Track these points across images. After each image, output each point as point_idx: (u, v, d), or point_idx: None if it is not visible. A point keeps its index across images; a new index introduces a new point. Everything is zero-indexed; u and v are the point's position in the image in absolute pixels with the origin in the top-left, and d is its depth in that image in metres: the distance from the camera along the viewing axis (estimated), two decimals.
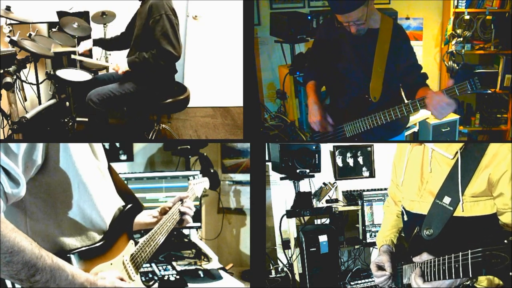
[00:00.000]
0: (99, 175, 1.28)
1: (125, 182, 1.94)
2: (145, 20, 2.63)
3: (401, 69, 2.01)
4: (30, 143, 1.05)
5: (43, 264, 0.98)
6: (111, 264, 1.22)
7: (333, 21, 2.03)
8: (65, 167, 1.13)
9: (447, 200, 1.38)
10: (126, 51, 2.92)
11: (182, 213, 1.62)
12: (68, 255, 1.11)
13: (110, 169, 1.39)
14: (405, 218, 1.61)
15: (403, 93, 2.17)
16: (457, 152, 1.38)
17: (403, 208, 1.62)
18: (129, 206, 1.37)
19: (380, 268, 1.60)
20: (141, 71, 2.71)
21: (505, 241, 1.04)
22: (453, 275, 1.16)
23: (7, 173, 0.99)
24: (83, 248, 1.16)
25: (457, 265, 1.13)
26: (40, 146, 1.07)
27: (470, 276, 1.11)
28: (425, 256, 1.35)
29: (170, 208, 1.61)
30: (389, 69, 2.01)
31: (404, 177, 1.61)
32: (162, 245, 1.49)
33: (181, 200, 1.66)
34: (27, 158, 1.04)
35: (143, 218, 1.57)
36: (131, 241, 1.34)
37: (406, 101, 1.94)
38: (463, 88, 1.65)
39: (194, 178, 1.97)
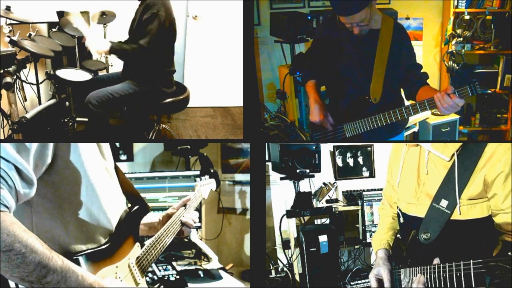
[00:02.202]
0: (107, 175, 1.26)
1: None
2: (139, 16, 2.69)
3: (401, 69, 2.01)
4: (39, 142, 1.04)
5: (54, 265, 0.97)
6: (117, 267, 1.21)
7: (333, 21, 2.03)
8: (73, 166, 1.12)
9: (444, 203, 1.37)
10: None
11: (183, 224, 1.58)
12: (75, 257, 1.10)
13: (117, 169, 1.37)
14: (402, 220, 1.60)
15: (403, 93, 2.16)
16: (453, 154, 1.38)
17: (400, 210, 1.61)
18: (135, 208, 1.36)
19: (380, 282, 1.59)
20: (123, 59, 2.76)
21: (509, 253, 1.04)
22: (455, 284, 1.15)
23: (19, 172, 0.98)
24: (89, 251, 1.15)
25: (458, 274, 1.12)
26: (50, 145, 1.06)
27: (473, 286, 1.10)
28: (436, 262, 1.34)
29: (173, 214, 1.59)
30: (390, 70, 2.01)
31: (400, 178, 1.60)
32: None
33: (185, 205, 1.63)
34: (37, 157, 1.03)
35: (145, 224, 1.54)
36: (137, 244, 1.33)
37: (406, 103, 1.94)
38: (464, 92, 1.66)
39: (200, 179, 1.95)
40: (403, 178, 1.59)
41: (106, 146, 1.30)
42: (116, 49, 2.66)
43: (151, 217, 1.56)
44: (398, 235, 1.73)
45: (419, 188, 1.49)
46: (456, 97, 1.66)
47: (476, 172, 1.33)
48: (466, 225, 1.35)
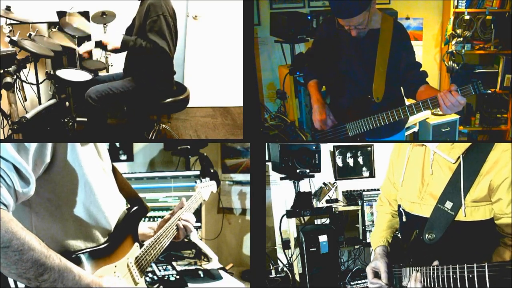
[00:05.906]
0: (104, 175, 1.27)
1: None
2: (143, 20, 2.64)
3: (402, 68, 2.01)
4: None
5: (52, 263, 0.98)
6: (116, 266, 1.22)
7: (333, 22, 2.03)
8: (72, 166, 1.13)
9: (449, 205, 1.39)
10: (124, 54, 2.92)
11: (178, 228, 1.56)
12: (74, 255, 1.11)
13: (114, 170, 1.38)
14: (404, 219, 1.61)
15: (402, 91, 2.16)
16: (459, 157, 1.39)
17: (403, 209, 1.62)
18: (134, 208, 1.36)
19: (376, 274, 1.59)
20: (132, 55, 2.72)
21: None
22: (458, 285, 1.17)
23: (18, 171, 0.99)
24: (88, 249, 1.15)
25: (471, 276, 1.13)
26: (49, 145, 1.07)
27: (487, 286, 1.11)
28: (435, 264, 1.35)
29: (169, 218, 1.58)
30: (391, 68, 2.01)
31: (404, 177, 1.61)
32: None
33: (182, 207, 1.61)
34: (37, 156, 1.04)
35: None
36: (136, 244, 1.33)
37: (406, 102, 1.94)
38: (467, 90, 1.67)
39: (201, 181, 1.95)
40: (406, 177, 1.60)
41: (102, 147, 1.30)
42: (128, 44, 2.61)
43: (145, 229, 1.55)
44: (399, 235, 1.73)
45: (423, 188, 1.50)
46: (458, 95, 1.67)
47: (481, 175, 1.35)
48: (469, 226, 1.37)
